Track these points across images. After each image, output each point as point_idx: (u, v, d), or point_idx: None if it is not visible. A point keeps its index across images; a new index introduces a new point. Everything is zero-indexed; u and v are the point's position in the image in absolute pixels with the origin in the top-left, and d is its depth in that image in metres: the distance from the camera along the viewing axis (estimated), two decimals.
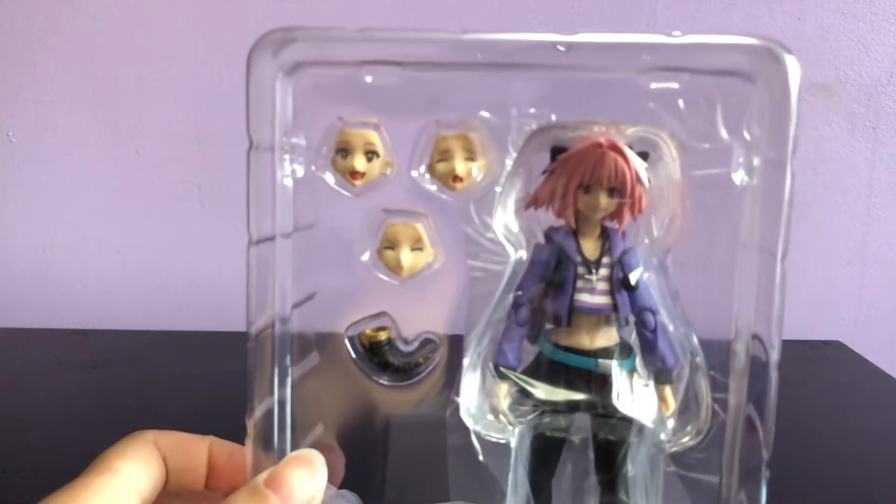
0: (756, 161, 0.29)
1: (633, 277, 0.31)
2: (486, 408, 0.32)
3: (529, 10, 0.72)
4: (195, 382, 0.61)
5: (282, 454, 0.32)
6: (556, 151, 0.31)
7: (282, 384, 0.32)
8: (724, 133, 0.29)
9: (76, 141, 0.75)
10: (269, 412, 0.32)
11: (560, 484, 0.33)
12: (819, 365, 0.70)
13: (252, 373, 0.31)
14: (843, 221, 0.76)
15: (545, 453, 0.33)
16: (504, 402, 0.32)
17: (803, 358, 0.70)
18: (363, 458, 0.35)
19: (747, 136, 0.29)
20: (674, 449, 0.32)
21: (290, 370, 0.32)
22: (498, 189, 0.31)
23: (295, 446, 0.33)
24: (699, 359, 0.32)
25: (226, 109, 0.72)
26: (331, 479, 0.30)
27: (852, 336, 0.76)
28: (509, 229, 0.32)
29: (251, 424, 0.31)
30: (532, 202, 0.32)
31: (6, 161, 0.76)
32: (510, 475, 0.33)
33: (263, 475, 0.29)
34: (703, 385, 0.32)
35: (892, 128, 0.74)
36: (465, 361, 0.32)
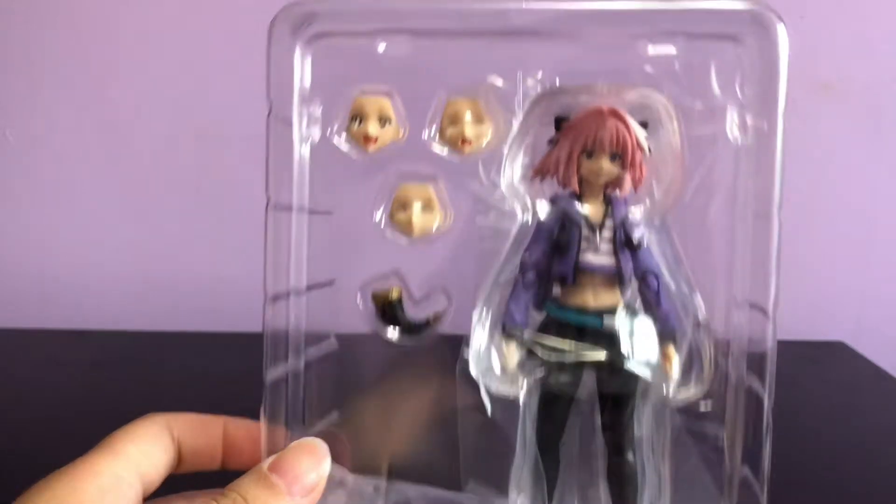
0: (749, 119, 0.31)
1: (635, 238, 0.32)
2: (495, 365, 0.33)
3: None
4: (195, 383, 0.61)
5: (295, 426, 0.33)
6: (560, 121, 0.32)
7: (296, 353, 0.33)
8: (718, 93, 0.31)
9: (74, 140, 0.75)
10: (282, 380, 0.33)
11: (568, 446, 0.34)
12: (821, 365, 0.70)
13: (267, 336, 0.33)
14: (845, 221, 0.76)
15: (553, 412, 0.33)
16: (512, 361, 0.33)
17: (805, 358, 0.69)
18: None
19: (740, 96, 0.31)
20: (678, 403, 0.33)
21: (303, 339, 0.33)
22: (505, 149, 0.33)
23: (308, 424, 0.34)
24: (702, 318, 0.33)
25: (226, 109, 0.72)
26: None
27: (855, 336, 0.76)
28: (516, 189, 0.33)
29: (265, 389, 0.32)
30: (538, 172, 0.33)
31: (4, 161, 0.76)
32: (518, 434, 0.33)
33: (268, 461, 0.29)
34: (707, 344, 0.32)
35: (894, 127, 0.74)
36: (474, 318, 0.33)
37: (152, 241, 0.77)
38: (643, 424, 0.33)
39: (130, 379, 0.63)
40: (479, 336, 0.33)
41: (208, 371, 0.64)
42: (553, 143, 0.33)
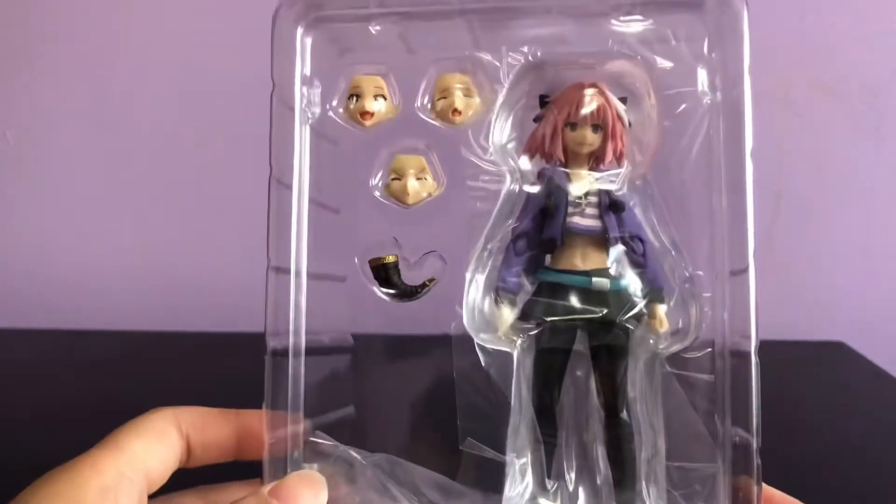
0: (718, 80, 0.33)
1: (619, 201, 0.34)
2: (488, 324, 0.35)
3: None
4: (195, 383, 0.61)
5: (294, 410, 0.34)
6: (544, 99, 0.35)
7: (297, 329, 0.34)
8: (688, 57, 0.33)
9: (74, 140, 0.75)
10: (283, 353, 0.34)
11: (564, 410, 0.35)
12: (820, 366, 0.70)
13: (267, 306, 0.34)
14: (845, 221, 0.76)
15: (547, 372, 0.34)
16: (505, 325, 0.34)
17: (804, 359, 0.69)
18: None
19: (709, 57, 0.33)
20: (668, 352, 0.34)
21: (304, 313, 0.34)
22: (493, 117, 0.35)
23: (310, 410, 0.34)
24: (688, 274, 0.34)
25: (226, 110, 0.72)
26: None
27: (854, 336, 0.76)
28: (504, 151, 0.35)
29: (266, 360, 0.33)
30: (526, 151, 0.35)
31: (3, 161, 0.76)
32: (513, 394, 0.34)
33: (269, 486, 0.30)
34: (693, 301, 0.34)
35: (894, 126, 0.74)
36: (468, 276, 0.35)
37: (152, 241, 0.77)
38: (636, 385, 0.34)
39: (130, 379, 0.63)
40: (473, 295, 0.35)
41: (208, 371, 0.63)
42: (538, 119, 0.35)
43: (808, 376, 0.65)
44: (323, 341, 0.35)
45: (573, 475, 0.34)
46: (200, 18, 0.73)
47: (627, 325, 0.34)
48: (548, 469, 0.34)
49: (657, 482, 0.33)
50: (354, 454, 0.35)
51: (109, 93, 0.75)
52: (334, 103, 0.35)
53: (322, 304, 0.35)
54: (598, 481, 0.34)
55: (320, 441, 0.35)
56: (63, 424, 0.53)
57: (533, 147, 0.35)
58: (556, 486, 0.34)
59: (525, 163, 0.35)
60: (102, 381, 0.63)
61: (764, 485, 0.31)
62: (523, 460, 0.34)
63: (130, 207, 0.77)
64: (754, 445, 0.31)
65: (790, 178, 0.73)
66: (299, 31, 0.34)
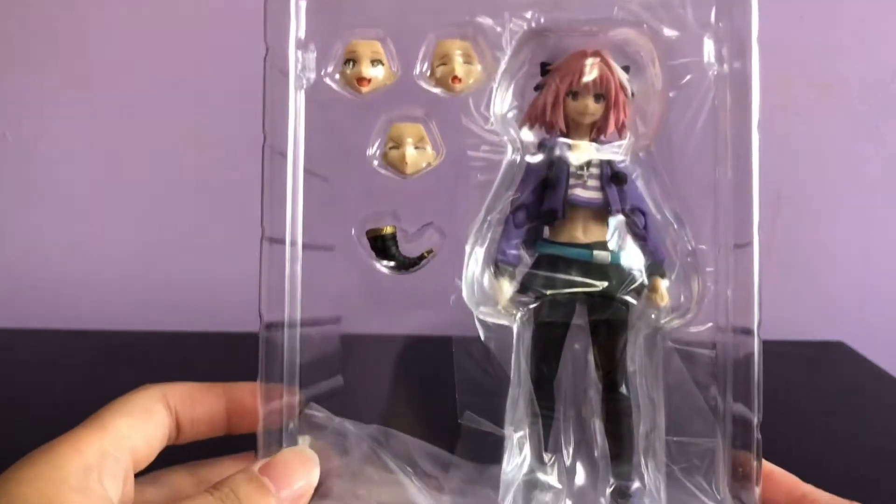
0: (725, 50, 0.32)
1: (621, 173, 0.33)
2: (487, 297, 0.34)
3: None
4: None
5: (290, 382, 0.33)
6: (545, 66, 0.34)
7: (292, 300, 0.34)
8: (695, 27, 0.33)
9: (73, 140, 0.75)
10: (278, 325, 0.33)
11: (562, 384, 0.34)
12: (820, 366, 0.69)
13: (262, 277, 0.33)
14: (845, 220, 0.76)
15: (545, 346, 0.34)
16: (504, 298, 0.33)
17: (804, 359, 0.69)
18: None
19: (716, 26, 0.33)
20: (669, 327, 0.34)
21: (300, 283, 0.34)
22: (494, 85, 0.34)
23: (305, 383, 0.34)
24: (691, 247, 0.34)
25: (225, 110, 0.72)
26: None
27: (855, 336, 0.75)
28: (506, 121, 0.35)
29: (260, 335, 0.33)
30: (527, 120, 0.34)
31: (4, 161, 0.75)
32: (512, 367, 0.34)
33: (259, 463, 0.30)
34: (696, 278, 0.33)
35: (894, 126, 0.74)
36: (467, 249, 0.34)
37: (152, 241, 0.77)
38: (636, 360, 0.34)
39: (130, 379, 0.63)
40: (472, 268, 0.34)
41: (208, 371, 0.63)
42: (539, 88, 0.34)
43: (808, 376, 0.65)
44: (318, 313, 0.35)
45: (571, 449, 0.34)
46: (200, 18, 0.73)
47: (628, 299, 0.33)
48: (545, 443, 0.34)
49: (655, 456, 0.33)
50: (349, 426, 0.34)
51: (109, 93, 0.75)
52: (330, 69, 0.34)
53: (317, 276, 0.34)
54: (596, 455, 0.34)
55: (315, 413, 0.34)
56: (63, 425, 0.52)
57: (533, 116, 0.34)
58: (553, 459, 0.34)
59: (526, 133, 0.34)
60: (102, 381, 0.63)
61: (763, 461, 0.31)
62: (521, 434, 0.34)
63: (130, 207, 0.77)
64: (755, 421, 0.31)
65: (790, 178, 0.73)
66: None
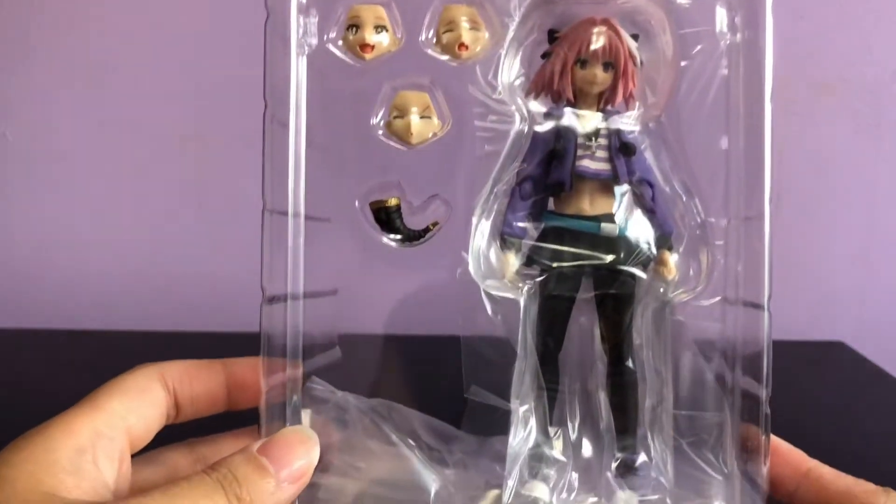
0: (737, 19, 0.32)
1: (629, 143, 0.33)
2: (494, 269, 0.34)
3: None
4: None
5: (293, 356, 0.32)
6: (553, 34, 0.33)
7: (295, 268, 0.33)
8: None
9: (73, 140, 0.75)
10: (280, 298, 0.32)
11: (568, 357, 0.34)
12: (821, 365, 0.69)
13: (263, 249, 0.32)
14: (845, 220, 0.76)
15: (552, 319, 0.33)
16: (511, 270, 0.33)
17: (804, 359, 0.69)
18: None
19: None
20: (678, 300, 0.33)
21: (302, 256, 0.33)
22: (502, 52, 0.33)
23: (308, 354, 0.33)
24: (700, 220, 0.33)
25: (225, 110, 0.72)
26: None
27: (855, 336, 0.75)
28: (514, 90, 0.34)
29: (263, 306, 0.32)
30: (533, 88, 0.33)
31: (3, 160, 0.75)
32: (519, 340, 0.33)
33: (257, 444, 0.29)
34: (705, 251, 0.33)
35: (895, 126, 0.74)
36: (473, 221, 0.34)
37: (152, 241, 0.76)
38: (642, 332, 0.33)
39: None
40: (479, 241, 0.34)
41: None
42: (546, 56, 0.33)
43: (808, 376, 0.65)
44: (320, 286, 0.34)
45: (576, 423, 0.33)
46: (201, 19, 0.73)
47: (635, 272, 0.33)
48: (550, 416, 0.33)
49: (662, 430, 0.33)
50: (351, 399, 0.34)
51: (109, 93, 0.75)
52: (332, 34, 0.33)
53: (319, 248, 0.34)
54: (602, 428, 0.33)
55: (316, 387, 0.34)
56: None
57: (540, 84, 0.33)
58: (558, 433, 0.33)
59: (533, 103, 0.34)
60: (102, 381, 0.63)
61: (772, 435, 0.31)
62: (526, 407, 0.33)
63: (130, 207, 0.76)
64: (764, 395, 0.30)
65: (790, 178, 0.73)
66: None
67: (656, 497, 0.32)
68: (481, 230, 0.34)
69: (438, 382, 0.35)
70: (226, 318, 0.69)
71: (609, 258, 0.32)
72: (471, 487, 0.33)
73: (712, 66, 0.32)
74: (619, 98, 0.33)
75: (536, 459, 0.33)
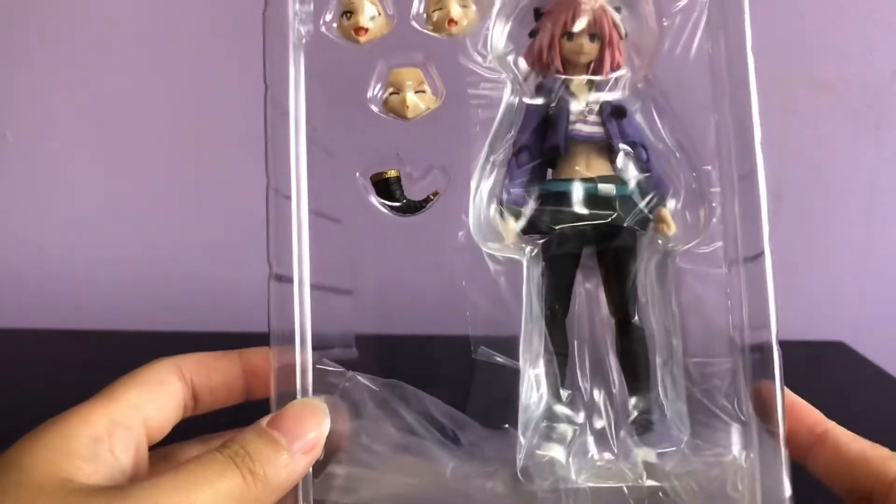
0: None
1: (621, 106, 0.34)
2: (494, 233, 0.34)
3: None
4: None
5: (302, 342, 0.32)
6: (538, 12, 0.35)
7: (300, 258, 0.33)
8: None
9: (74, 140, 0.75)
10: (287, 280, 0.32)
11: (575, 322, 0.34)
12: (821, 365, 0.69)
13: (269, 233, 0.33)
14: (845, 221, 0.75)
15: (557, 283, 0.34)
16: (511, 236, 0.34)
17: (804, 359, 0.69)
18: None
19: None
20: (679, 250, 0.33)
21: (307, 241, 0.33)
22: (490, 23, 0.35)
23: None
24: (694, 173, 0.34)
25: (225, 110, 0.72)
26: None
27: (855, 336, 0.75)
28: (503, 58, 0.35)
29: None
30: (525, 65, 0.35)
31: (3, 161, 0.75)
32: (524, 302, 0.34)
33: (266, 418, 0.29)
34: (702, 200, 0.34)
35: (894, 126, 0.74)
36: (472, 185, 0.34)
37: (152, 241, 0.76)
38: (647, 290, 0.34)
39: None
40: (478, 204, 0.34)
41: None
42: (534, 34, 0.35)
43: (808, 376, 0.65)
44: (326, 265, 0.34)
45: (588, 384, 0.34)
46: (201, 19, 0.73)
47: (635, 229, 0.33)
48: (562, 379, 0.33)
49: (675, 383, 0.33)
50: (362, 380, 0.34)
51: (109, 93, 0.75)
52: (328, 18, 0.35)
53: (323, 235, 0.34)
54: (614, 390, 0.33)
55: (328, 368, 0.33)
56: None
57: (530, 60, 0.35)
58: (570, 394, 0.33)
59: (524, 70, 0.35)
60: (102, 381, 0.63)
61: (787, 391, 0.31)
62: (537, 371, 0.33)
63: (130, 207, 0.76)
64: (773, 338, 0.30)
65: (790, 178, 0.73)
66: None
67: (674, 450, 0.32)
68: (480, 193, 0.34)
69: (440, 382, 0.35)
70: (226, 318, 0.69)
71: (608, 217, 0.33)
72: (487, 464, 0.32)
73: (694, 20, 0.33)
74: (607, 68, 0.34)
75: (550, 421, 0.33)
